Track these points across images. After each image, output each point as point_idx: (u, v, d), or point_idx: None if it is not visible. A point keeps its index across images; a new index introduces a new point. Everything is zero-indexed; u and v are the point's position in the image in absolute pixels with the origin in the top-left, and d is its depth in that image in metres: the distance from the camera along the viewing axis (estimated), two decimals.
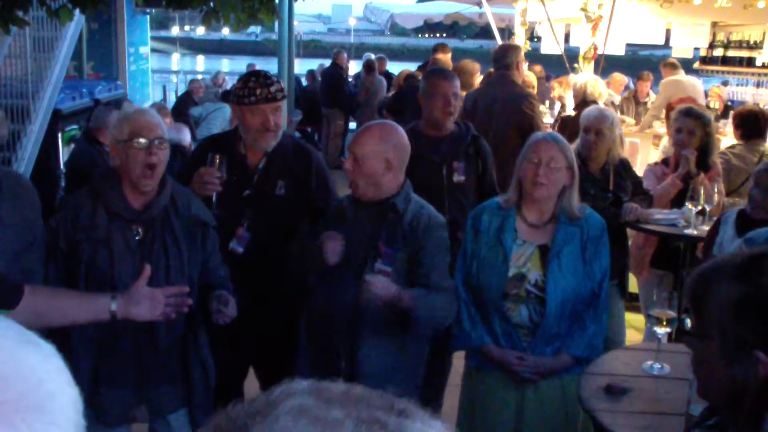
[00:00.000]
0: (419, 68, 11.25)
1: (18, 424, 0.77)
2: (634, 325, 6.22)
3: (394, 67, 17.35)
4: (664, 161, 5.68)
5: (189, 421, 3.44)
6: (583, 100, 7.07)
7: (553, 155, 3.59)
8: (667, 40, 11.01)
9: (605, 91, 7.58)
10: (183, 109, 12.00)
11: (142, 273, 2.96)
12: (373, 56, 14.85)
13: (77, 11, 4.45)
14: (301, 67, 22.09)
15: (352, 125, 14.56)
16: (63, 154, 8.73)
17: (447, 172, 4.56)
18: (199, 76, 18.24)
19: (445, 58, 9.47)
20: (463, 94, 6.31)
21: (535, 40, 12.92)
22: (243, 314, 3.36)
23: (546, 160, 3.58)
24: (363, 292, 3.25)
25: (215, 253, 3.49)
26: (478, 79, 8.06)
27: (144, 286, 2.95)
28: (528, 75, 8.93)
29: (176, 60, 37.43)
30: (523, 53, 7.20)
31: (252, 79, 3.85)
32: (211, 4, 3.85)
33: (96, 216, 3.24)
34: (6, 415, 0.77)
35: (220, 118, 10.84)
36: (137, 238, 3.27)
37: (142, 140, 3.18)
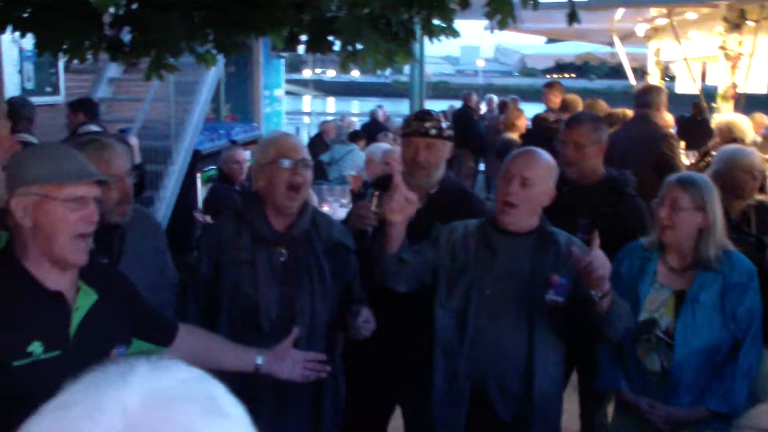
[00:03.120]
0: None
1: None
2: None
3: (527, 109, 17.20)
4: None
5: None
6: (728, 140, 6.79)
7: (676, 196, 3.43)
8: None
9: (751, 131, 7.27)
10: (315, 149, 12.20)
11: (291, 334, 2.99)
12: (495, 97, 14.83)
13: (221, 56, 4.57)
14: (431, 108, 22.17)
15: (482, 167, 14.52)
16: (201, 193, 8.99)
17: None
18: (330, 118, 18.55)
19: (558, 98, 9.18)
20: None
21: (667, 79, 12.58)
22: (387, 350, 3.34)
23: (670, 202, 3.43)
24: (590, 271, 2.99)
25: (356, 277, 3.50)
26: None
27: (290, 346, 2.97)
28: (667, 116, 8.65)
29: (308, 102, 38.25)
30: (665, 94, 6.98)
31: (415, 114, 3.95)
32: (356, 46, 3.88)
33: (240, 238, 3.30)
34: None
35: (351, 161, 10.94)
36: (281, 260, 3.31)
37: (287, 161, 3.25)
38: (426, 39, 4.04)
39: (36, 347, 2.22)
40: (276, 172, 3.26)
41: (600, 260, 2.99)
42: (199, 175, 9.02)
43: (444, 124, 3.87)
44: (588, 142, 4.23)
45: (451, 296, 3.40)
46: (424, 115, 3.94)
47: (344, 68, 4.62)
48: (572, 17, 3.36)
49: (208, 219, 6.46)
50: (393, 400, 4.08)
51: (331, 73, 67.34)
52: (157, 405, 0.78)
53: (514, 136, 10.08)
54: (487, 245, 3.38)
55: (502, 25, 3.46)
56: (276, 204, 3.30)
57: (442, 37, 4.16)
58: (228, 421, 0.82)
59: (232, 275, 3.28)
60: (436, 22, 4.33)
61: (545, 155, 3.39)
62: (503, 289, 3.31)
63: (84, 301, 2.38)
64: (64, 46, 3.52)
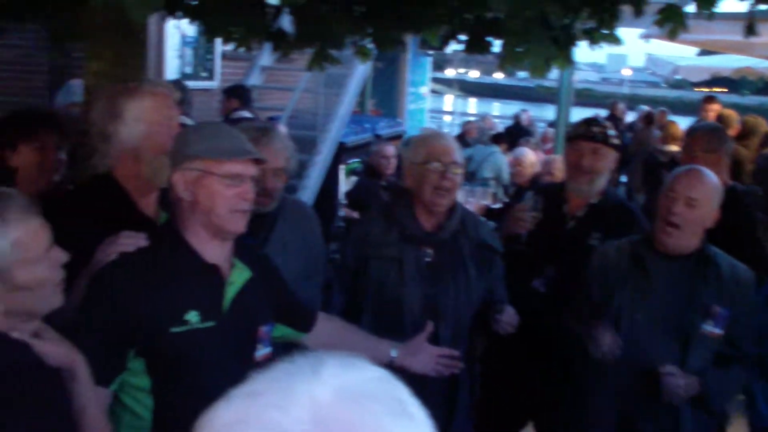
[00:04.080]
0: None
1: None
2: None
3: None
4: None
5: None
6: None
7: None
8: None
9: None
10: None
11: (426, 328, 2.99)
12: (648, 109, 14.40)
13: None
14: (575, 115, 21.80)
15: (623, 177, 14.15)
16: (343, 185, 9.10)
17: None
18: (471, 118, 18.49)
19: (713, 113, 8.83)
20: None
21: None
22: (526, 362, 3.29)
23: None
24: (664, 394, 3.00)
25: (500, 280, 3.47)
26: None
27: (424, 341, 2.97)
28: None
29: (449, 101, 38.26)
30: None
31: (583, 119, 3.93)
32: (516, 48, 3.85)
33: (388, 235, 3.31)
34: None
35: (491, 163, 10.86)
36: (427, 259, 3.31)
37: (437, 164, 3.23)
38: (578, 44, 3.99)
39: (192, 316, 2.32)
40: (425, 174, 3.26)
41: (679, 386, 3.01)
42: (342, 167, 9.13)
43: (611, 132, 3.79)
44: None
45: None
46: (592, 120, 3.90)
47: (502, 70, 4.60)
48: (750, 29, 3.23)
49: (355, 215, 6.54)
50: (527, 412, 4.02)
51: (474, 74, 67.19)
52: (348, 401, 0.78)
53: (674, 148, 9.77)
54: (641, 267, 3.25)
55: (672, 36, 3.36)
56: (425, 203, 3.30)
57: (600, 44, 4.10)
58: (413, 422, 0.82)
59: (378, 272, 3.31)
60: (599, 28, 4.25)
61: (710, 175, 3.23)
62: (656, 315, 3.18)
63: (238, 276, 2.46)
64: (232, 34, 3.62)
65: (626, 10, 3.56)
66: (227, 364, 2.34)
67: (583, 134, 3.75)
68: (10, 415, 1.82)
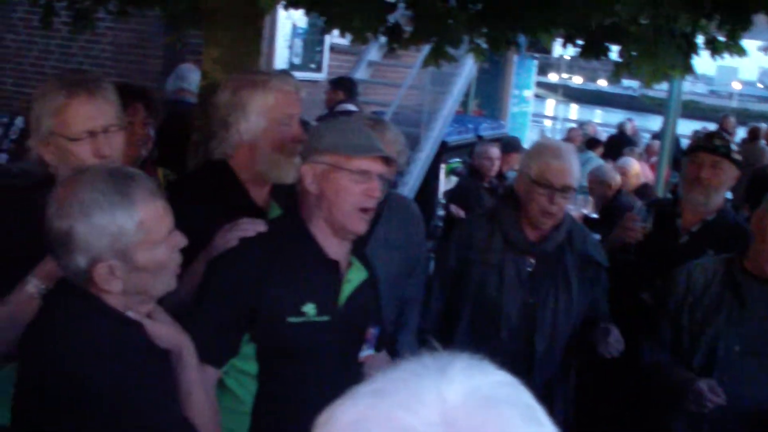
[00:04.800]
0: None
1: None
2: None
3: None
4: None
5: None
6: None
7: None
8: None
9: None
10: None
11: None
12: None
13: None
14: (681, 128, 21.30)
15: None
16: (442, 184, 9.08)
17: None
18: (573, 125, 18.24)
19: None
20: None
21: None
22: (620, 384, 3.21)
23: None
24: None
25: (604, 296, 3.38)
26: None
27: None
28: None
29: (551, 106, 37.86)
30: None
31: (706, 131, 3.83)
32: (632, 54, 3.76)
33: (492, 240, 3.27)
34: None
35: (587, 170, 10.63)
36: (529, 269, 3.26)
37: (547, 189, 3.14)
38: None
39: (309, 308, 2.34)
40: (535, 193, 3.17)
41: None
42: (443, 165, 9.12)
43: (733, 146, 3.67)
44: None
45: (694, 351, 3.12)
46: (714, 132, 3.85)
47: (616, 77, 4.49)
48: None
49: (462, 214, 6.51)
50: (625, 426, 3.92)
51: (577, 80, 66.27)
52: (479, 404, 0.76)
53: None
54: (735, 293, 3.08)
55: None
56: (530, 217, 3.24)
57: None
58: (543, 429, 0.79)
59: (479, 276, 3.27)
60: (721, 38, 4.12)
61: None
62: (756, 346, 3.02)
63: (355, 275, 2.47)
64: (351, 27, 3.63)
65: (759, 19, 3.42)
66: (334, 360, 2.37)
67: (705, 146, 3.64)
68: (129, 391, 1.85)
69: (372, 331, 2.52)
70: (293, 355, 2.36)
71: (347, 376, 2.34)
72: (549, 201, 3.15)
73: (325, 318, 2.36)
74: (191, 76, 5.25)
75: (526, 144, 14.70)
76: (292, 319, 2.31)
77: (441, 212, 7.91)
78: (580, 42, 4.29)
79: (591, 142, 11.61)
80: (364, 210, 2.37)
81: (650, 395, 3.40)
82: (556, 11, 3.80)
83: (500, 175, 7.38)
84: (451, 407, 0.75)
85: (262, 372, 2.36)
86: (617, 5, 3.36)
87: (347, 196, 2.34)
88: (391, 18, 3.90)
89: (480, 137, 10.21)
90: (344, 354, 2.43)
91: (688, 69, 4.30)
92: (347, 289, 2.44)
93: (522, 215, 3.27)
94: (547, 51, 15.94)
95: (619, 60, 4.09)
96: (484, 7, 3.99)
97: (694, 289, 3.17)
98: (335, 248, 2.41)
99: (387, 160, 2.41)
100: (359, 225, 2.39)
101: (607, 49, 4.18)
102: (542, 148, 3.30)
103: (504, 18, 3.96)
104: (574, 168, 3.21)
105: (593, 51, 4.19)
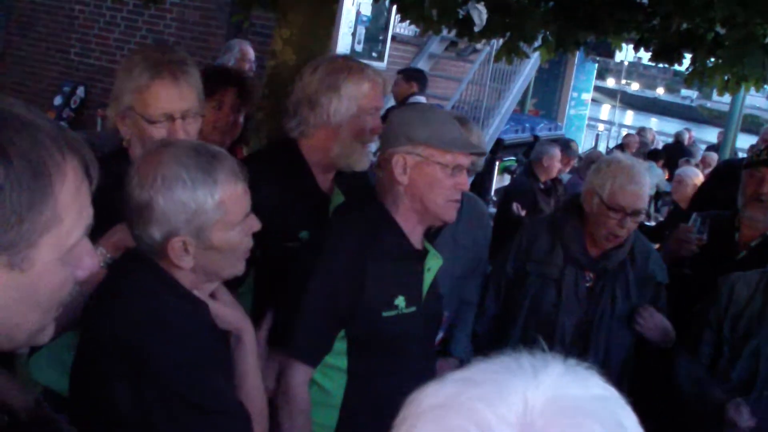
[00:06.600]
0: None
1: None
2: None
3: None
4: None
5: None
6: None
7: None
8: None
9: None
10: None
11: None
12: None
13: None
14: (740, 141, 20.95)
15: None
16: (494, 181, 9.04)
17: None
18: (629, 131, 18.03)
19: None
20: None
21: None
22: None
23: None
24: None
25: (664, 314, 3.30)
26: None
27: None
28: None
29: (606, 111, 37.46)
30: None
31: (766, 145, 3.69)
32: (705, 62, 3.69)
33: (553, 253, 3.22)
34: None
35: None
36: (587, 285, 3.20)
37: (616, 215, 3.07)
38: None
39: (401, 301, 2.36)
40: (604, 213, 3.09)
41: None
42: (497, 163, 9.07)
43: None
44: None
45: (735, 363, 3.04)
46: None
47: (689, 83, 4.42)
48: None
49: (523, 213, 6.47)
50: None
51: (634, 86, 65.47)
52: (560, 412, 0.74)
53: None
54: None
55: None
56: (595, 236, 3.18)
57: None
58: None
59: (536, 288, 3.22)
60: None
61: None
62: None
63: (433, 263, 2.47)
64: (426, 16, 3.61)
65: None
66: (417, 349, 2.40)
67: (765, 161, 3.52)
68: (190, 371, 1.84)
69: (446, 315, 2.55)
70: (384, 348, 2.38)
71: (428, 363, 2.41)
72: (619, 225, 3.08)
73: (413, 309, 2.38)
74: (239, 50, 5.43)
75: (582, 147, 14.64)
76: (387, 313, 2.33)
77: (492, 209, 7.85)
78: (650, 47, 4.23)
79: (652, 154, 11.45)
80: (453, 201, 2.39)
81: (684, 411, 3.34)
82: (629, 12, 3.75)
83: (554, 177, 7.31)
84: (531, 411, 0.73)
85: (351, 366, 2.37)
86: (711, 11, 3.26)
87: (441, 190, 2.34)
88: (466, 10, 3.87)
89: (536, 137, 10.14)
90: (426, 341, 2.46)
91: (766, 80, 4.22)
92: (428, 278, 2.45)
93: (586, 230, 3.21)
94: (610, 55, 15.77)
95: (680, 69, 4.02)
96: (558, 4, 3.95)
97: (737, 301, 3.08)
98: (417, 237, 2.44)
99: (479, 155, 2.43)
100: (452, 213, 2.41)
101: (682, 56, 4.11)
102: (616, 169, 3.13)
103: (577, 17, 3.91)
104: (647, 190, 3.14)
105: (667, 56, 4.12)
